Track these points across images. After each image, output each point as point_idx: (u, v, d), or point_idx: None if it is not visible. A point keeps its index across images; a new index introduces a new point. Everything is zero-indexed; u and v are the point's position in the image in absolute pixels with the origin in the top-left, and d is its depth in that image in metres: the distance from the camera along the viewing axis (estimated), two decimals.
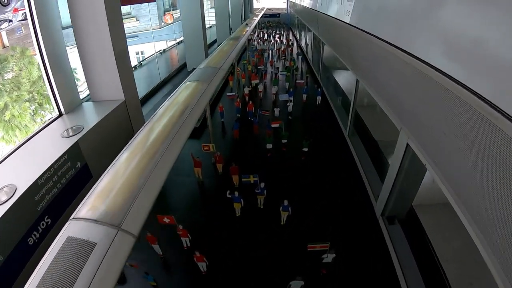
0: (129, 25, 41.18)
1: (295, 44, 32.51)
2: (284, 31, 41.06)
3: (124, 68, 8.83)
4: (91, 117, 7.99)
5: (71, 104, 8.44)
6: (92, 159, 7.26)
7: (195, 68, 11.53)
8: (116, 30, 8.52)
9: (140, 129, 6.20)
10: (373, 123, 10.36)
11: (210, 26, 36.85)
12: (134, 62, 25.24)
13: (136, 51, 34.69)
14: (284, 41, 32.51)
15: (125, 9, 38.98)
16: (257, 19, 28.24)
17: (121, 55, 8.77)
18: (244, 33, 18.34)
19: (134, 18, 36.45)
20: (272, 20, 52.30)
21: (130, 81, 9.49)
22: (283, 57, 21.06)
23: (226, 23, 32.38)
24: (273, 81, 16.34)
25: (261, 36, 36.51)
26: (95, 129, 7.40)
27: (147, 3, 37.40)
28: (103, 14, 8.02)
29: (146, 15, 37.83)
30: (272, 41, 32.57)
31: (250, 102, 13.22)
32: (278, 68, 20.21)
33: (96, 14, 7.95)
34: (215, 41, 34.23)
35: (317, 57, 20.96)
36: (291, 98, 14.38)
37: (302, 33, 31.16)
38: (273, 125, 10.69)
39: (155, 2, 32.70)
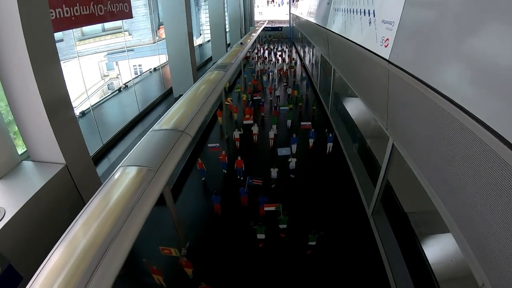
0: (120, 40, 38.47)
1: (298, 62, 29.21)
2: (286, 47, 37.89)
3: (61, 122, 6.22)
4: (21, 191, 5.37)
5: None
6: (19, 255, 5.09)
7: (181, 95, 9.69)
8: (46, 71, 5.70)
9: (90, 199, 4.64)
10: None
11: (208, 41, 33.86)
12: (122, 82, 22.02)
13: (134, 65, 35.83)
14: (287, 60, 29.23)
15: (117, 23, 36.44)
16: (254, 36, 24.96)
17: (56, 105, 5.98)
18: (237, 55, 14.99)
19: (127, 32, 33.96)
20: (273, 33, 49.30)
21: (74, 139, 6.92)
22: (285, 83, 17.59)
23: (222, 38, 29.24)
24: (272, 119, 12.88)
25: (261, 53, 33.35)
26: (23, 212, 5.07)
27: (141, 17, 34.73)
28: (24, 51, 5.18)
29: (139, 29, 35.98)
30: (273, 59, 29.29)
31: (239, 158, 9.73)
32: (278, 97, 16.79)
33: (18, 52, 5.23)
34: (211, 59, 31.21)
35: (326, 83, 17.52)
36: (294, 146, 10.90)
37: (306, 49, 27.91)
38: (267, 209, 7.21)
39: (148, 16, 29.74)
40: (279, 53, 31.00)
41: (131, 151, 5.61)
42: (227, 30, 39.10)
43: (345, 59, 9.52)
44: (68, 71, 32.94)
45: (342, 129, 12.52)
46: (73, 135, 7.00)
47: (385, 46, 5.69)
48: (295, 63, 25.61)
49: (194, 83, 12.52)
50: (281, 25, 50.69)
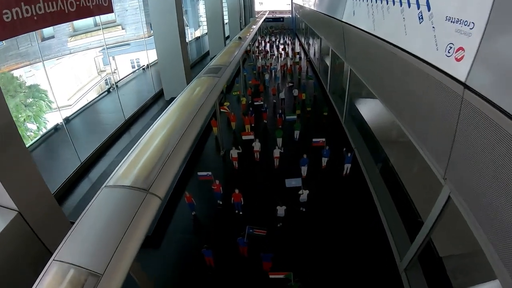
0: (114, 34, 36.42)
1: (302, 55, 26.88)
2: (289, 39, 35.39)
3: (6, 159, 4.91)
4: None
5: None
6: None
7: (174, 98, 8.27)
8: None
9: None
10: None
11: (197, 38, 31.53)
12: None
13: (131, 59, 33.57)
14: (290, 53, 26.89)
15: (110, 16, 34.46)
16: (255, 28, 22.57)
17: None
18: (235, 53, 12.80)
19: (120, 27, 31.77)
20: (275, 25, 46.57)
21: (27, 178, 5.47)
22: (290, 83, 15.39)
23: (219, 31, 26.95)
24: (277, 132, 10.81)
25: (263, 46, 30.96)
26: None
27: (134, 10, 32.78)
28: None
29: (133, 22, 34.17)
30: (276, 53, 26.94)
31: (236, 191, 7.76)
32: (283, 100, 14.65)
33: None
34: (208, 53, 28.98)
35: (337, 84, 15.38)
36: (304, 168, 8.94)
37: (311, 41, 25.56)
38: (272, 276, 5.30)
39: (142, 9, 27.67)
40: (281, 47, 28.62)
41: (66, 239, 3.57)
42: (226, 22, 36.75)
43: (373, 66, 7.40)
44: (62, 68, 30.34)
45: (360, 144, 10.44)
46: (26, 173, 5.54)
47: (458, 60, 3.62)
48: (300, 57, 23.32)
49: (187, 84, 10.54)
50: (282, 16, 47.92)
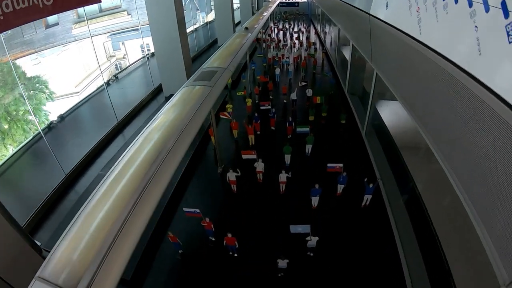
0: (119, 20, 34.95)
1: (318, 45, 24.60)
2: (304, 26, 32.84)
3: None
4: None
5: None
6: None
7: (173, 95, 7.34)
8: None
9: None
10: None
11: (208, 23, 29.46)
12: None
13: (141, 44, 31.65)
14: (304, 43, 24.63)
15: (115, 1, 33.58)
16: (266, 15, 20.27)
17: None
18: (237, 50, 10.88)
19: (125, 12, 30.30)
20: (289, 10, 43.62)
21: None
22: (304, 82, 13.35)
23: (228, 18, 24.83)
24: (285, 148, 9.10)
25: (275, 34, 28.63)
26: None
27: None
28: None
29: (139, 7, 32.87)
30: (289, 43, 24.70)
31: (229, 235, 6.24)
32: (294, 102, 12.81)
33: None
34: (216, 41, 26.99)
35: (358, 84, 13.40)
36: (316, 199, 7.39)
37: (328, 29, 23.23)
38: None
39: None
40: (295, 35, 26.25)
41: None
42: (238, 7, 34.42)
43: (414, 81, 5.54)
44: (69, 55, 28.92)
45: (384, 170, 8.61)
46: None
47: None
48: (315, 48, 21.08)
49: (187, 79, 8.98)
50: (297, 0, 44.86)
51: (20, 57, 25.04)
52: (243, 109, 13.02)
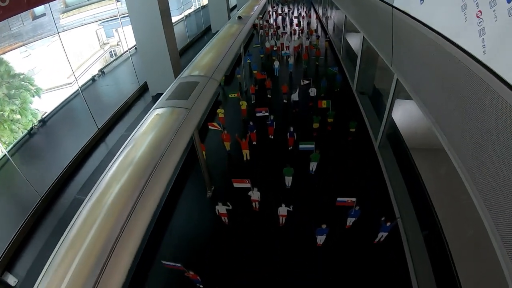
0: (109, 8, 33.11)
1: (320, 31, 22.61)
2: (304, 11, 30.51)
3: None
4: None
5: None
6: None
7: (160, 94, 6.65)
8: None
9: None
10: None
11: (203, 7, 27.22)
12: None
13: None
14: (306, 28, 22.60)
15: None
16: (259, 6, 18.01)
17: None
18: (228, 45, 9.12)
19: None
20: None
21: None
22: (307, 80, 11.57)
23: (222, 2, 22.69)
24: (285, 170, 7.61)
25: (274, 18, 26.42)
26: None
27: None
28: None
29: None
30: (288, 30, 22.66)
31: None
32: (295, 104, 11.21)
33: None
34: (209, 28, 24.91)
35: (368, 82, 11.76)
36: (322, 238, 6.18)
37: (332, 14, 21.22)
38: None
39: None
40: (295, 21, 24.08)
41: None
42: None
43: (459, 103, 3.98)
44: (57, 47, 27.00)
45: (405, 204, 7.12)
46: None
47: None
48: (318, 36, 19.11)
49: (175, 78, 7.65)
50: None
51: (9, 51, 23.20)
52: (237, 113, 11.44)
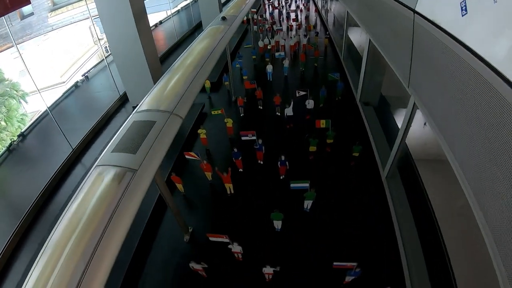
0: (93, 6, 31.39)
1: (319, 26, 20.88)
2: (302, 3, 28.54)
3: None
4: None
5: None
6: None
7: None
8: None
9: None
10: None
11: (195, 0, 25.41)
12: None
13: None
14: (303, 23, 20.86)
15: None
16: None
17: None
18: (198, 68, 7.54)
19: None
20: None
21: None
22: (303, 92, 9.96)
23: None
24: (273, 215, 6.23)
25: (270, 12, 24.59)
26: None
27: None
28: None
29: None
30: (284, 25, 20.89)
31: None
32: (289, 119, 9.76)
33: None
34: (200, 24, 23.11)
35: (373, 89, 10.25)
36: None
37: (332, 6, 19.49)
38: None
39: None
40: (292, 15, 22.27)
41: None
42: None
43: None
44: (48, 46, 25.33)
45: (414, 249, 5.71)
46: None
47: None
48: (317, 33, 17.34)
49: (154, 84, 6.59)
50: None
51: None
52: (222, 131, 9.98)
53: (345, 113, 10.59)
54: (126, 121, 5.10)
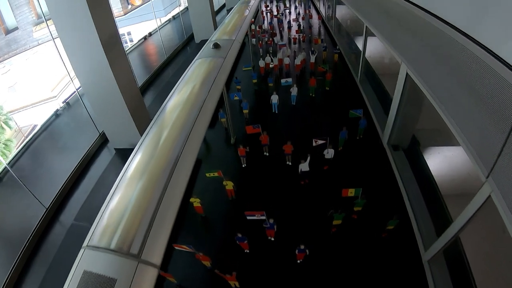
0: None
1: (324, 36, 18.73)
2: (302, 4, 26.35)
3: None
4: None
5: None
6: None
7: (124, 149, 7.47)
8: None
9: None
10: None
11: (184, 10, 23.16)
12: None
13: (122, 34, 29.37)
14: (306, 32, 18.62)
15: None
16: (249, 12, 13.80)
17: None
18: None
19: None
20: None
21: None
22: (322, 140, 7.55)
23: (204, 3, 18.64)
24: None
25: (268, 21, 22.35)
26: None
27: None
28: None
29: None
30: (286, 39, 18.60)
31: None
32: (304, 177, 7.61)
33: None
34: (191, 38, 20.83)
35: (404, 127, 8.19)
36: None
37: (334, 11, 17.40)
38: None
39: None
40: (295, 25, 19.82)
41: None
42: None
43: None
44: (37, 60, 22.96)
45: None
46: None
47: None
48: (325, 47, 15.02)
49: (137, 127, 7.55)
50: None
51: None
52: (220, 194, 7.81)
53: (369, 159, 8.50)
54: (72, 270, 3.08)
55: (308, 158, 7.44)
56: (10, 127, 21.64)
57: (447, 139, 7.88)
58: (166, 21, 25.10)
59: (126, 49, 18.78)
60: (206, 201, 7.38)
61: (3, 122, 21.42)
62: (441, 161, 7.78)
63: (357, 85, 12.11)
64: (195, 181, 8.36)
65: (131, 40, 33.72)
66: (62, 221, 8.19)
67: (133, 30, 35.24)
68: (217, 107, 7.20)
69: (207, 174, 7.29)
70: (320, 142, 7.80)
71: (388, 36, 8.27)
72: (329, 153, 7.95)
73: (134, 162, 4.74)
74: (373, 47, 11.71)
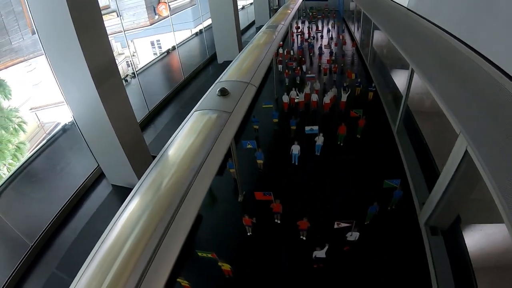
0: (107, 24, 29.90)
1: (357, 67, 17.02)
2: (335, 26, 24.75)
3: None
4: None
5: None
6: None
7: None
8: None
9: None
10: None
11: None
12: None
13: (151, 41, 31.76)
14: (338, 61, 16.97)
15: (103, 1, 29.05)
16: (281, 29, 12.48)
17: None
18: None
19: (115, 13, 25.02)
20: (316, 5, 34.76)
21: None
22: (346, 224, 5.87)
23: (229, 19, 17.25)
24: None
25: (298, 45, 20.90)
26: None
27: None
28: None
29: (131, 7, 29.21)
30: (314, 65, 17.02)
31: None
32: (319, 260, 5.96)
33: None
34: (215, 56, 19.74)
35: (452, 206, 6.36)
36: None
37: (371, 37, 15.67)
38: None
39: None
40: (327, 52, 18.18)
41: None
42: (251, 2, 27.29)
43: None
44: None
45: None
46: None
47: None
48: (359, 84, 13.17)
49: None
50: None
51: (11, 66, 21.62)
52: (215, 272, 6.30)
53: (400, 241, 6.72)
54: None
55: (326, 247, 5.80)
56: (24, 131, 21.34)
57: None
58: (193, 34, 24.24)
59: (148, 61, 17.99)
60: (199, 282, 5.93)
61: (17, 125, 21.16)
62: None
63: (393, 135, 10.31)
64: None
65: (160, 47, 33.77)
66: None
67: (162, 39, 35.23)
68: (226, 156, 5.79)
69: (200, 254, 5.82)
70: (343, 225, 6.14)
71: (443, 92, 6.46)
72: (353, 235, 6.27)
73: (127, 210, 3.83)
74: (417, 88, 9.89)
